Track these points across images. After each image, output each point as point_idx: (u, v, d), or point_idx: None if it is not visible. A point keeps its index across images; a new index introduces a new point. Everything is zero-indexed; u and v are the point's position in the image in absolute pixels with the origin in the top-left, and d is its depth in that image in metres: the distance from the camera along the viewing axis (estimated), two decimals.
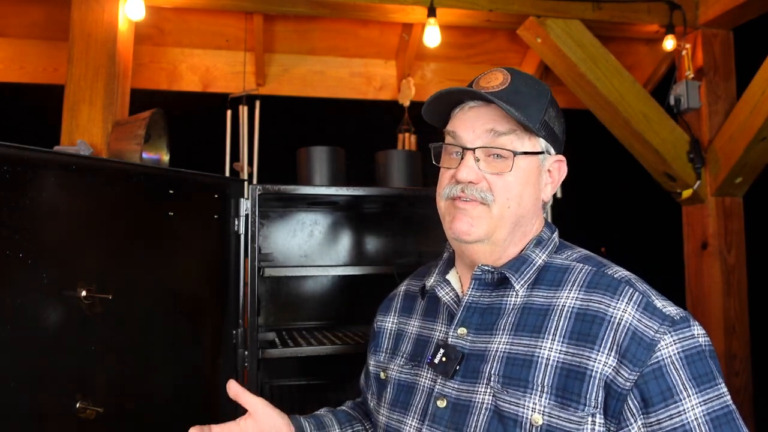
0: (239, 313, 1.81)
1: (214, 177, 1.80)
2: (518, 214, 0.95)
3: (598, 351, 0.83)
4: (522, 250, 0.98)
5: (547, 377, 0.85)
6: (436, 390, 0.94)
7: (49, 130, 2.39)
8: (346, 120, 3.76)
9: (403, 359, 1.06)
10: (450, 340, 0.96)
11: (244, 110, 3.14)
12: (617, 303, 0.86)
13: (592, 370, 0.82)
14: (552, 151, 0.99)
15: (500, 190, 0.93)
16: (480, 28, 3.16)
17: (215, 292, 1.78)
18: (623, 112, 2.78)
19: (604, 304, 0.86)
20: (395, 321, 1.15)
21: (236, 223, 1.83)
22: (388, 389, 1.05)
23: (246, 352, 1.77)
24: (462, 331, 0.95)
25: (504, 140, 0.93)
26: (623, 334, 0.82)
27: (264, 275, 1.92)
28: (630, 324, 0.83)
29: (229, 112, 3.15)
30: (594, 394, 0.81)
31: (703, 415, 0.79)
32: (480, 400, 0.88)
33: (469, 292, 0.97)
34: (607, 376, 0.81)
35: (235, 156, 3.16)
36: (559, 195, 2.66)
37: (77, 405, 1.31)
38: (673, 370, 0.80)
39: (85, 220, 1.39)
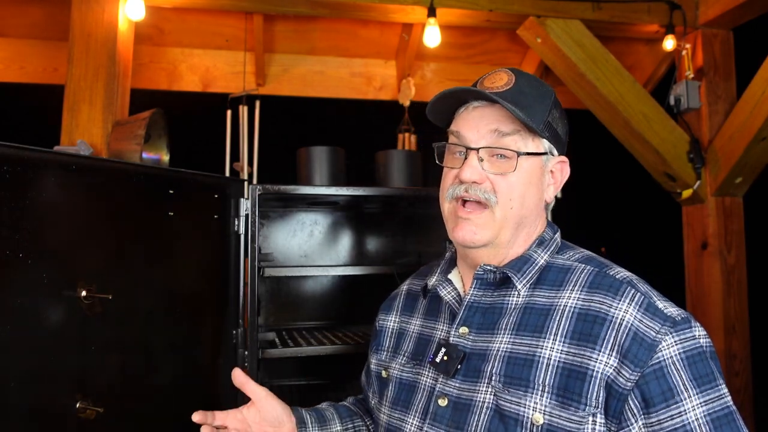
0: (239, 313, 1.81)
1: (214, 177, 1.80)
2: (521, 215, 0.95)
3: (600, 351, 0.83)
4: (524, 251, 0.98)
5: (548, 377, 0.85)
6: (437, 389, 0.94)
7: (49, 130, 2.39)
8: (346, 120, 3.76)
9: (404, 358, 1.06)
10: (452, 339, 0.96)
11: (244, 110, 3.14)
12: (619, 303, 0.86)
13: (593, 370, 0.82)
14: (555, 152, 0.99)
15: (503, 190, 0.93)
16: (480, 28, 3.16)
17: (215, 292, 1.78)
18: (623, 112, 2.78)
19: (606, 305, 0.86)
20: (397, 320, 1.15)
21: (236, 223, 1.83)
22: (390, 388, 1.05)
23: (246, 352, 1.77)
24: (464, 330, 0.95)
25: (508, 141, 0.93)
26: (625, 335, 0.82)
27: (264, 275, 1.92)
28: (631, 324, 0.83)
29: (229, 112, 3.15)
30: (595, 394, 0.81)
31: (704, 416, 0.79)
32: (481, 400, 0.89)
33: (471, 292, 0.97)
34: (608, 376, 0.81)
35: (235, 156, 3.16)
36: (559, 195, 2.64)
37: (77, 405, 1.31)
38: (674, 371, 0.80)
39: (85, 220, 1.39)
